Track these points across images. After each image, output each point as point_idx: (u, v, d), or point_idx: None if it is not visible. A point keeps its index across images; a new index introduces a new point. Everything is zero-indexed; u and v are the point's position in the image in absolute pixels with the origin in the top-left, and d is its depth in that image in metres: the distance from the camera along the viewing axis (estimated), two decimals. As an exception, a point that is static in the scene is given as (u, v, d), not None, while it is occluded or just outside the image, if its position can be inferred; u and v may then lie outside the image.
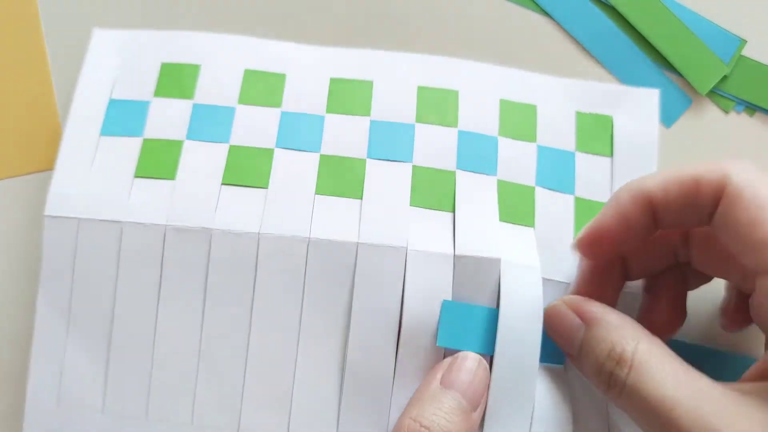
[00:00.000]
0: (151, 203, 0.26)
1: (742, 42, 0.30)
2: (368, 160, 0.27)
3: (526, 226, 0.27)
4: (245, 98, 0.28)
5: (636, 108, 0.29)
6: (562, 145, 0.28)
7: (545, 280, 0.25)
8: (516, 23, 0.30)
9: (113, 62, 0.29)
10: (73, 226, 0.26)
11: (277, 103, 0.28)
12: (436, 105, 0.28)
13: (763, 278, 0.20)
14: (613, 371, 0.21)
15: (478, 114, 0.28)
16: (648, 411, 0.20)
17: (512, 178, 0.27)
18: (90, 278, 0.26)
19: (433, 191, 0.27)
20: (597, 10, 0.30)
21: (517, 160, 0.27)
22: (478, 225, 0.26)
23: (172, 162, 0.27)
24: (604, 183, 0.28)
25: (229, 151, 0.27)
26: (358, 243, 0.25)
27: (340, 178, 0.27)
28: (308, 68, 0.29)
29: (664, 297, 0.25)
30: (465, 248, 0.25)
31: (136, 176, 0.27)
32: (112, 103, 0.28)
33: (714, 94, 0.29)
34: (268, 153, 0.27)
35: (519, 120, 0.28)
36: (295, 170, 0.27)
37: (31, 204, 0.30)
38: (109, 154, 0.27)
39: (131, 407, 0.25)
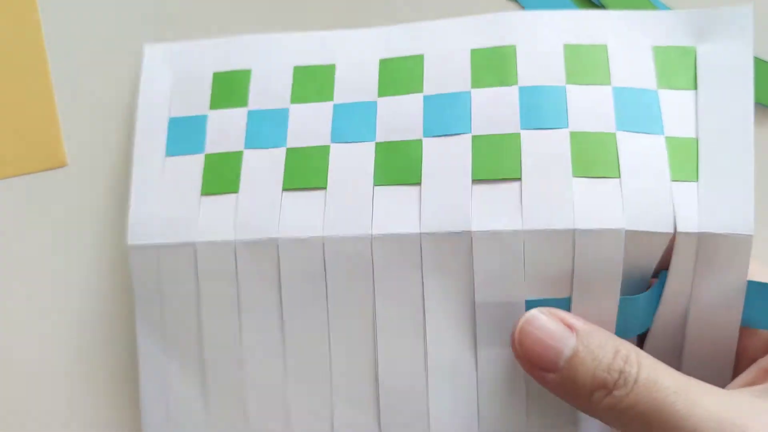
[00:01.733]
0: (219, 220, 0.26)
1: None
2: (424, 139, 0.25)
3: (608, 177, 0.24)
4: (297, 97, 0.27)
5: (725, 30, 0.25)
6: (642, 84, 0.25)
7: (641, 233, 0.23)
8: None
9: (167, 78, 0.29)
10: (154, 252, 0.27)
11: (328, 97, 0.27)
12: (492, 66, 0.26)
13: None
14: (623, 369, 0.21)
15: (540, 65, 0.25)
16: (664, 402, 0.20)
17: (587, 127, 0.24)
18: (176, 300, 0.27)
19: (497, 160, 0.24)
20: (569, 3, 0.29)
21: (591, 107, 0.24)
22: (548, 190, 0.24)
23: (234, 175, 0.27)
24: (688, 118, 0.24)
25: (287, 154, 0.26)
26: (420, 234, 0.24)
27: (398, 165, 0.25)
28: (357, 53, 0.27)
29: None
30: (534, 222, 0.23)
31: (203, 194, 0.27)
32: (172, 122, 0.28)
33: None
34: (323, 150, 0.26)
35: (588, 63, 0.25)
36: (351, 164, 0.26)
37: (32, 203, 0.30)
38: (175, 175, 0.27)
39: (231, 420, 0.26)
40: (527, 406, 0.24)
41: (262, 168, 0.26)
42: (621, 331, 0.24)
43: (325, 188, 0.26)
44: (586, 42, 0.25)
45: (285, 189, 0.26)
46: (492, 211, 0.24)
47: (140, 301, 0.27)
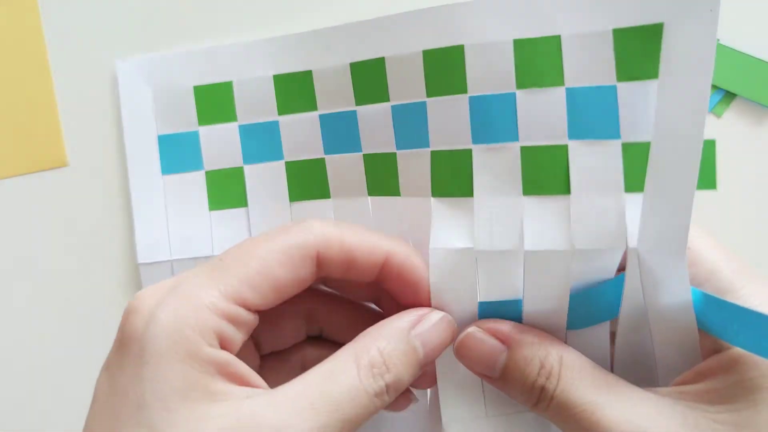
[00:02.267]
0: (233, 232, 0.28)
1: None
2: (398, 152, 0.25)
3: (558, 195, 0.23)
4: (283, 108, 0.28)
5: (693, 9, 0.21)
6: (599, 80, 0.22)
7: (591, 252, 0.22)
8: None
9: (147, 94, 0.29)
10: (167, 268, 0.28)
11: (312, 107, 0.28)
12: (442, 70, 0.24)
13: None
14: (544, 385, 0.22)
15: (489, 68, 0.23)
16: (575, 417, 0.21)
17: (538, 140, 0.23)
18: None
19: (453, 177, 0.24)
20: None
21: (542, 116, 0.23)
22: (499, 210, 0.23)
23: (239, 190, 0.28)
24: (647, 116, 0.22)
25: (286, 168, 0.28)
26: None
27: (382, 176, 0.26)
28: (329, 57, 0.27)
29: None
30: (484, 243, 0.23)
31: (211, 209, 0.28)
32: (162, 140, 0.29)
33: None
34: (320, 163, 0.28)
35: (539, 62, 0.22)
36: (347, 174, 0.27)
37: (33, 203, 0.30)
38: (177, 193, 0.29)
39: None
40: (485, 401, 0.25)
41: (265, 182, 0.28)
42: (575, 323, 0.24)
43: (329, 198, 0.27)
44: (537, 34, 0.22)
45: (292, 201, 0.28)
46: (449, 228, 0.24)
47: None
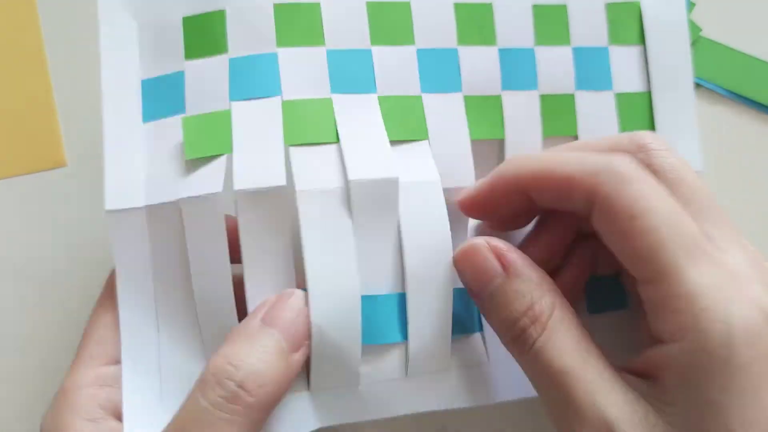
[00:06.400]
0: (211, 175, 0.23)
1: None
2: (423, 95, 0.26)
3: (566, 135, 0.27)
4: (284, 40, 0.25)
5: None
6: (596, 42, 0.28)
7: None
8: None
9: (131, 30, 0.25)
10: (141, 215, 0.24)
11: (319, 41, 0.25)
12: (477, 24, 0.27)
13: (642, 286, 0.20)
14: (527, 329, 0.21)
15: (517, 25, 0.27)
16: (548, 376, 0.20)
17: (553, 89, 0.27)
18: (172, 264, 0.24)
19: (485, 117, 0.26)
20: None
21: (555, 68, 0.27)
22: (522, 148, 0.27)
23: (223, 135, 0.24)
24: (638, 72, 0.28)
25: (284, 107, 0.24)
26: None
27: (405, 120, 0.25)
28: None
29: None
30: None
31: (188, 158, 0.24)
32: (146, 84, 0.25)
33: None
34: (326, 103, 0.25)
35: (552, 25, 0.27)
36: (359, 118, 0.25)
37: (31, 204, 0.30)
38: (155, 141, 0.25)
39: None
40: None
41: (256, 122, 0.24)
42: None
43: (337, 142, 0.24)
44: (550, 2, 0.27)
45: (288, 144, 0.24)
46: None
47: (124, 274, 0.24)
